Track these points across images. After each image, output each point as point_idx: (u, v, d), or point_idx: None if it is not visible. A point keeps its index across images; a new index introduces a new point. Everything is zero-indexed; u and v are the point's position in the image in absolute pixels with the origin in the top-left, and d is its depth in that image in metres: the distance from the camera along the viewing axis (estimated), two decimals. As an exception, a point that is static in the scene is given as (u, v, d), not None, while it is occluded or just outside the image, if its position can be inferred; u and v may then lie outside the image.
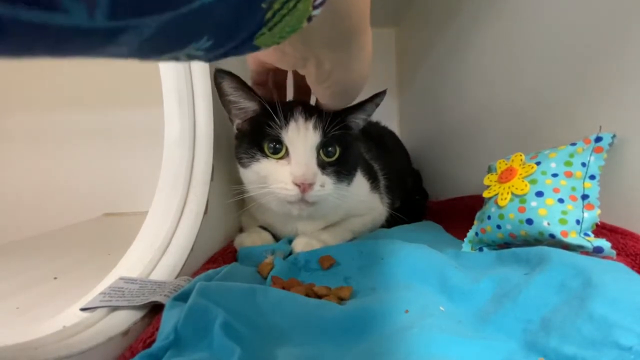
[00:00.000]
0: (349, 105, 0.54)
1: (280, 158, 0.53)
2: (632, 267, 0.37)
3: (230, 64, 0.47)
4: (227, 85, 0.53)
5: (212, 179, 0.61)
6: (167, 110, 0.58)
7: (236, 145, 0.60)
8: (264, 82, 0.53)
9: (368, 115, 0.59)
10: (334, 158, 0.55)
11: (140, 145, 1.23)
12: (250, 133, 0.57)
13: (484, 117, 0.77)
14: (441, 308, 0.37)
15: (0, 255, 0.82)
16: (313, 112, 0.54)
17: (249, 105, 0.55)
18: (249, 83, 0.53)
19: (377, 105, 0.58)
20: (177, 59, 0.15)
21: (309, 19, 0.17)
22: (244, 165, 0.57)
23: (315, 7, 0.17)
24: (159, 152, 0.58)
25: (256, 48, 0.17)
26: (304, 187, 0.51)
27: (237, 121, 0.58)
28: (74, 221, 1.14)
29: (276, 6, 0.15)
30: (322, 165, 0.54)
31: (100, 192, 1.26)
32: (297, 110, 0.53)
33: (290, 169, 0.52)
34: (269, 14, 0.15)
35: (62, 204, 1.23)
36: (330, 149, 0.55)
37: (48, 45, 0.11)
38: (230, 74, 0.51)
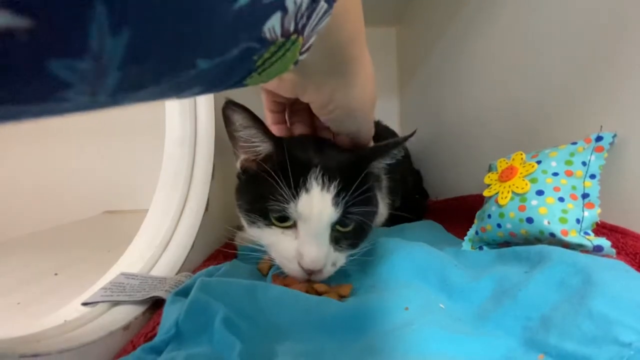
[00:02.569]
0: (373, 149, 0.46)
1: (287, 227, 0.43)
2: (632, 266, 0.37)
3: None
4: (239, 121, 0.43)
5: (212, 177, 0.62)
6: (168, 109, 0.58)
7: (238, 187, 0.49)
8: (279, 112, 0.45)
9: (392, 159, 0.47)
10: (348, 229, 0.44)
11: (140, 144, 1.24)
12: (251, 189, 0.46)
13: (485, 116, 0.77)
14: (441, 306, 0.37)
15: (1, 251, 0.82)
16: (334, 175, 0.41)
17: (262, 147, 0.44)
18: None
19: (401, 146, 0.47)
20: (166, 99, 0.17)
21: (296, 62, 0.18)
22: (243, 218, 0.47)
23: (302, 53, 0.18)
24: (159, 150, 0.58)
25: (244, 85, 0.18)
26: (311, 272, 0.42)
27: (243, 157, 0.47)
28: (74, 219, 1.14)
29: (267, 56, 0.16)
30: (337, 239, 0.44)
31: (101, 190, 1.26)
32: (312, 174, 0.41)
33: (298, 248, 0.42)
34: (259, 62, 0.16)
35: (62, 201, 1.23)
36: (347, 221, 0.43)
37: (49, 116, 0.12)
38: (243, 109, 0.42)
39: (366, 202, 0.44)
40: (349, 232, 0.44)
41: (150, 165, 0.77)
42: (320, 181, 0.41)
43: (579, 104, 0.52)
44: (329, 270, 0.44)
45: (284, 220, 0.42)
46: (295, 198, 0.40)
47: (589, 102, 0.50)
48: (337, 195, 0.41)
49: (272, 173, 0.40)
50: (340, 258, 0.45)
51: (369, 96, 0.35)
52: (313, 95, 0.33)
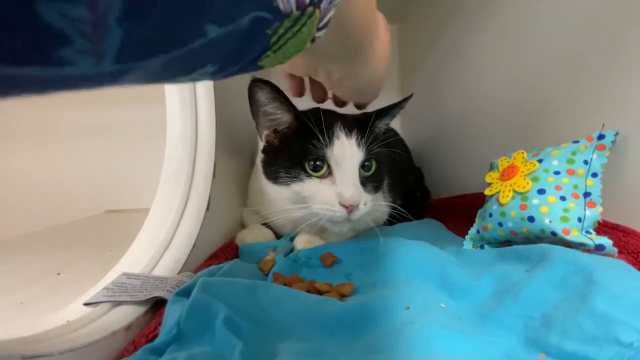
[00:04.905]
0: (378, 110, 0.55)
1: (322, 176, 0.52)
2: (634, 265, 0.37)
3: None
4: (264, 96, 0.50)
5: (214, 176, 0.62)
6: (170, 107, 0.58)
7: (265, 160, 0.57)
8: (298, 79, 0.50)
9: (392, 119, 0.58)
10: (370, 172, 0.55)
11: (142, 142, 1.24)
12: (286, 149, 0.54)
13: (486, 114, 0.77)
14: (442, 305, 0.37)
15: (3, 250, 0.83)
16: (352, 126, 0.53)
17: (285, 118, 0.52)
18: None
19: (402, 108, 0.57)
20: (180, 82, 0.16)
21: (313, 40, 0.18)
22: (279, 183, 0.54)
23: (319, 29, 0.17)
24: (161, 149, 0.58)
25: (260, 68, 0.17)
26: (351, 208, 0.50)
27: (266, 132, 0.55)
28: (75, 218, 1.14)
29: (281, 31, 0.15)
30: (363, 182, 0.53)
31: (102, 189, 1.26)
32: (337, 126, 0.52)
33: (337, 190, 0.50)
34: (274, 39, 0.15)
35: (64, 200, 1.23)
36: (367, 163, 0.54)
37: (56, 88, 0.11)
38: (269, 84, 0.48)
39: (379, 142, 0.54)
40: (371, 176, 0.55)
41: (152, 164, 0.76)
42: (344, 131, 0.52)
43: (580, 102, 0.51)
44: (363, 209, 0.51)
45: (318, 170, 0.51)
46: (330, 144, 0.50)
47: (591, 100, 0.50)
48: (358, 139, 0.52)
49: (311, 126, 0.50)
50: (368, 198, 0.53)
51: (380, 76, 0.36)
52: (324, 77, 0.34)
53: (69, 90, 0.12)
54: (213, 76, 0.16)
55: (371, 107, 0.56)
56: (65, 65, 0.10)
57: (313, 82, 0.46)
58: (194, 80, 0.16)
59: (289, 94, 0.49)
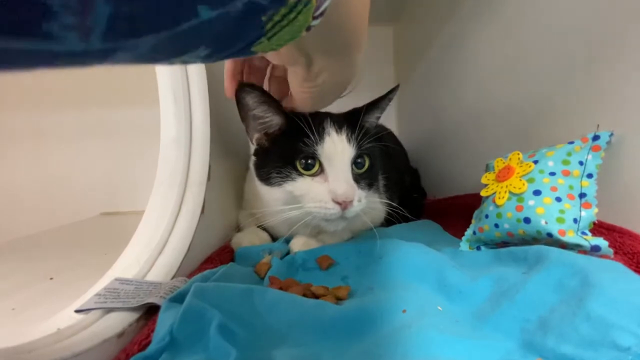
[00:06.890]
0: (366, 104, 0.54)
1: (314, 174, 0.51)
2: (630, 266, 0.37)
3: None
4: (252, 100, 0.49)
5: (208, 179, 0.61)
6: (163, 110, 0.58)
7: (256, 162, 0.57)
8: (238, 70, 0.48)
9: (382, 112, 0.58)
10: (364, 169, 0.54)
11: (137, 145, 1.23)
12: (277, 150, 0.54)
13: (482, 115, 0.77)
14: (439, 307, 0.37)
15: (-4, 255, 0.81)
16: (342, 122, 0.53)
17: (274, 120, 0.52)
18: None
19: (390, 100, 0.56)
20: (171, 63, 0.16)
21: (308, 28, 0.18)
22: (271, 184, 0.53)
23: (315, 18, 0.17)
24: (156, 151, 0.57)
25: (253, 53, 0.17)
26: (345, 204, 0.49)
27: (257, 135, 0.55)
28: (70, 220, 1.13)
29: (277, 18, 0.15)
30: (356, 179, 0.53)
31: (97, 191, 1.26)
32: (327, 123, 0.52)
33: (330, 187, 0.50)
34: (269, 25, 0.15)
35: (59, 203, 1.22)
36: (359, 160, 0.54)
37: (44, 63, 0.11)
38: (256, 88, 0.47)
39: (370, 137, 0.54)
40: (364, 172, 0.54)
41: (148, 166, 0.76)
42: (334, 128, 0.52)
43: (575, 103, 0.51)
44: (357, 205, 0.51)
45: (310, 169, 0.51)
46: (321, 141, 0.50)
47: (586, 101, 0.50)
48: (349, 135, 0.52)
49: (301, 124, 0.49)
50: (362, 195, 0.53)
51: (352, 79, 0.35)
52: (303, 68, 0.32)
53: (58, 67, 0.12)
54: (205, 59, 0.16)
55: (359, 102, 0.56)
56: (52, 40, 0.10)
57: (273, 78, 0.46)
58: (186, 62, 0.16)
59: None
